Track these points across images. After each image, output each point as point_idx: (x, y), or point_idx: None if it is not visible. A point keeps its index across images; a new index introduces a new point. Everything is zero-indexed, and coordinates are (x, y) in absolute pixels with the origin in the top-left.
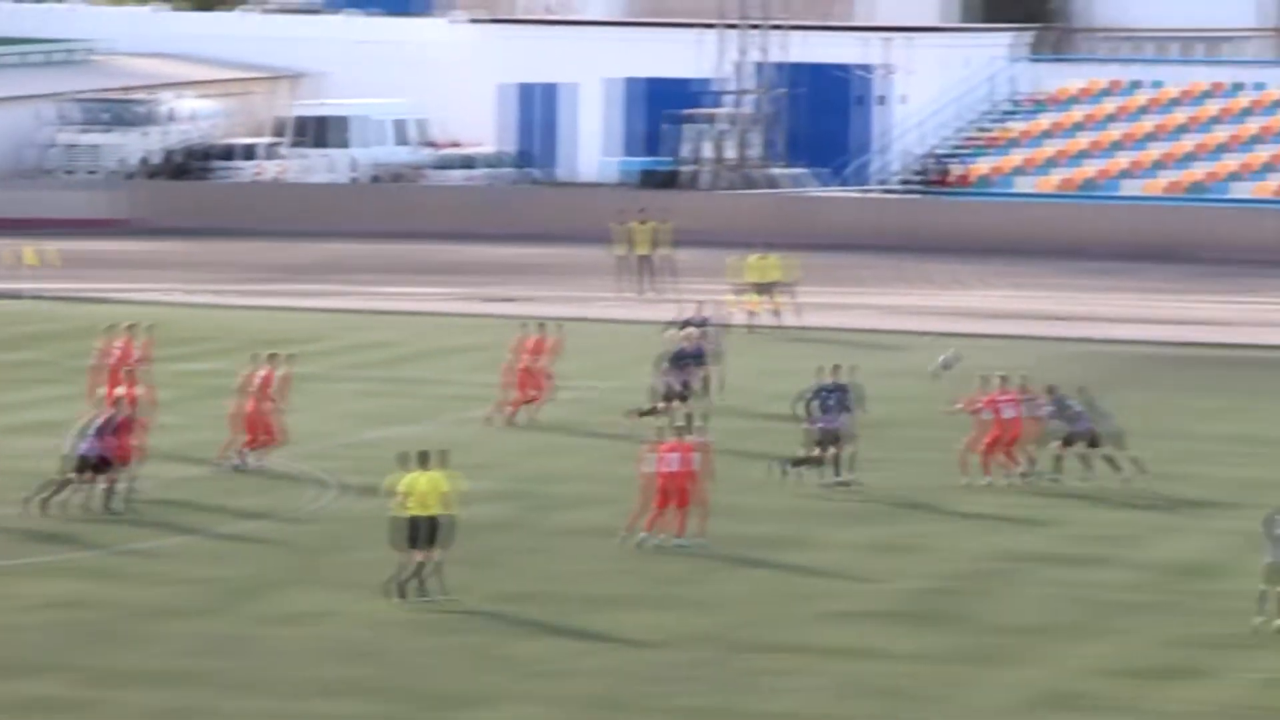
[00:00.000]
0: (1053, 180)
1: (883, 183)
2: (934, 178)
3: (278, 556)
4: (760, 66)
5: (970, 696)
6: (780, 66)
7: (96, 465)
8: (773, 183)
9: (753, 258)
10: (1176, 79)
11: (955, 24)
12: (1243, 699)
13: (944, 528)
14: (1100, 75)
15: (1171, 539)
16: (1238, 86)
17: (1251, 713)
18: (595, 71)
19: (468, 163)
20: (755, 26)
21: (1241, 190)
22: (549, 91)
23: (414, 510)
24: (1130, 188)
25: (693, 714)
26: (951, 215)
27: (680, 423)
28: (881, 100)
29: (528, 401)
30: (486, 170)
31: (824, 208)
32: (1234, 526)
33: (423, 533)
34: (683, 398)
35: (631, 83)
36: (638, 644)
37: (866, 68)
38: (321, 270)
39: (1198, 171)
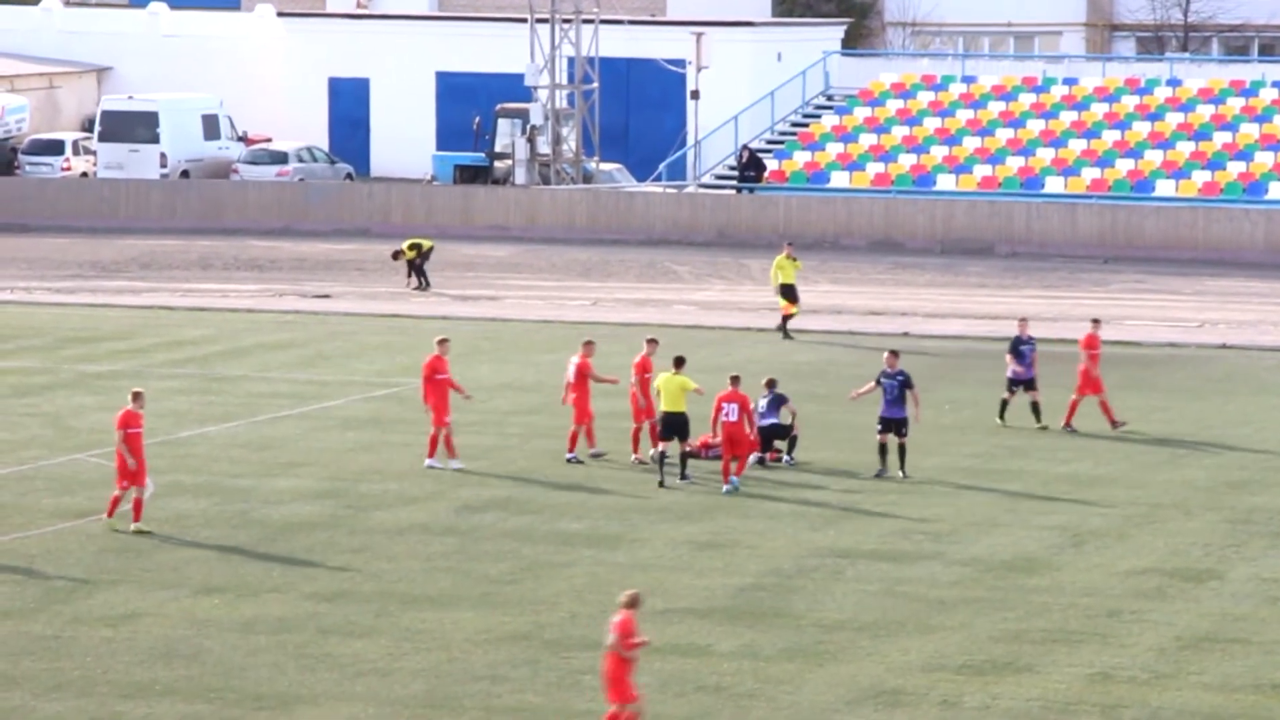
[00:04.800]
0: (868, 175)
1: (698, 178)
2: (749, 173)
3: (94, 557)
4: (573, 61)
5: (794, 694)
6: (594, 61)
7: None
8: (588, 178)
9: (781, 257)
10: (989, 74)
11: (768, 19)
12: (1067, 694)
13: (765, 524)
14: (913, 70)
15: (994, 535)
16: (1050, 81)
17: (1075, 707)
18: (407, 66)
19: (279, 158)
20: (568, 21)
21: (1056, 185)
22: (360, 86)
23: (666, 406)
24: (946, 182)
25: (515, 713)
26: (767, 210)
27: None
28: (695, 95)
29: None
30: (298, 165)
31: (639, 203)
32: (1056, 522)
33: (673, 426)
34: (1028, 386)
35: (444, 77)
36: (459, 643)
37: (679, 63)
38: (133, 267)
39: (1012, 166)
